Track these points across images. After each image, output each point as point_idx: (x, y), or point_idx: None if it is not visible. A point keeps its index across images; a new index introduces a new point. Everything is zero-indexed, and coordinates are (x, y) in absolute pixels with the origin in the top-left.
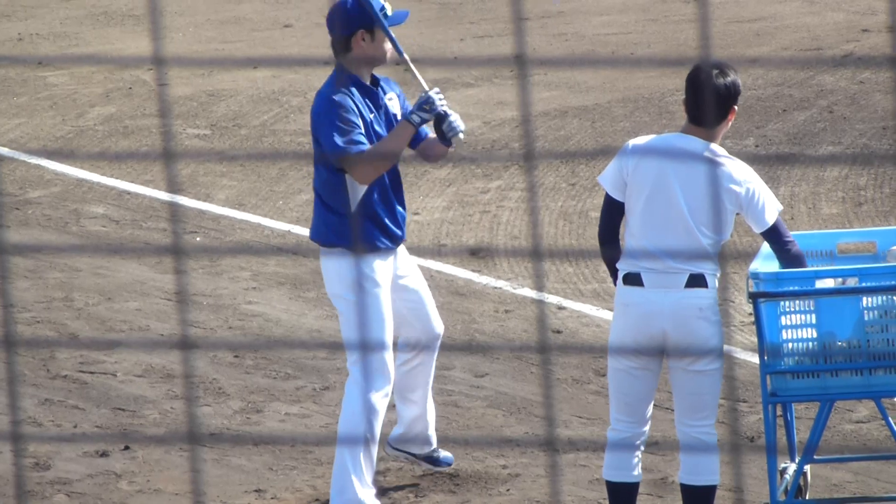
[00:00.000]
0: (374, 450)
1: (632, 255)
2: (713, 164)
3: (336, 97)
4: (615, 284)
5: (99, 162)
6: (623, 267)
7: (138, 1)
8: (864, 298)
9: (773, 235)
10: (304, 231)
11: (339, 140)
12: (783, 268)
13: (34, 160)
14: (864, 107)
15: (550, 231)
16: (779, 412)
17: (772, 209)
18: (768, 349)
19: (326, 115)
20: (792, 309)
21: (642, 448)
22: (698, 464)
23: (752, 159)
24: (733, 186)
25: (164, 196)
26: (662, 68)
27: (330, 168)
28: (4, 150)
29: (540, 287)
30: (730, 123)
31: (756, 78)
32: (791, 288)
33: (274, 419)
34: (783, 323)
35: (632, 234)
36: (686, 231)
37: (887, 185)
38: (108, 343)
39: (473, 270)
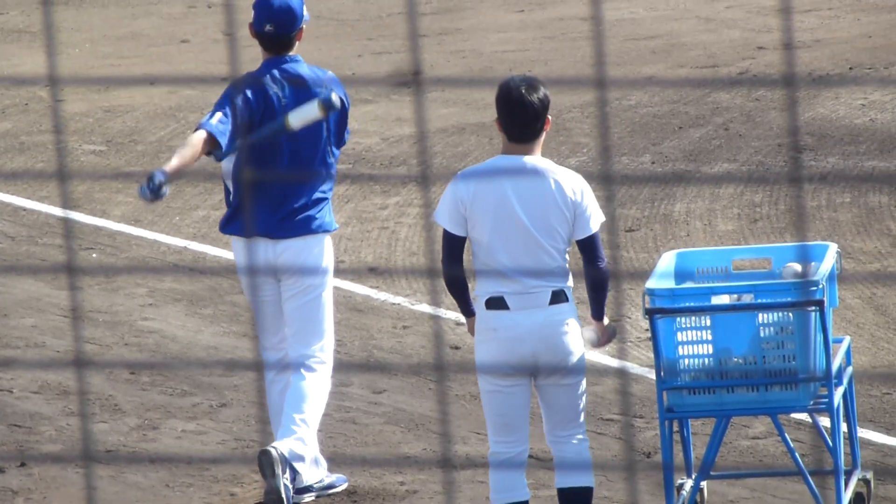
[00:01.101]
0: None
1: (490, 279)
2: (546, 176)
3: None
4: (465, 312)
5: None
6: (483, 292)
7: (34, 17)
8: (760, 315)
9: (592, 245)
10: (202, 247)
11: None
12: (588, 280)
13: None
14: (759, 124)
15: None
16: (675, 428)
17: (597, 219)
18: (664, 365)
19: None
20: (688, 325)
21: (524, 466)
22: (573, 467)
23: (649, 176)
24: (567, 193)
25: (59, 212)
26: (559, 87)
27: (332, 154)
28: None
29: (437, 303)
30: (544, 134)
31: (652, 95)
32: (687, 304)
33: (170, 436)
34: (679, 339)
35: (485, 259)
36: (538, 248)
37: (783, 202)
38: (4, 360)
39: (371, 287)
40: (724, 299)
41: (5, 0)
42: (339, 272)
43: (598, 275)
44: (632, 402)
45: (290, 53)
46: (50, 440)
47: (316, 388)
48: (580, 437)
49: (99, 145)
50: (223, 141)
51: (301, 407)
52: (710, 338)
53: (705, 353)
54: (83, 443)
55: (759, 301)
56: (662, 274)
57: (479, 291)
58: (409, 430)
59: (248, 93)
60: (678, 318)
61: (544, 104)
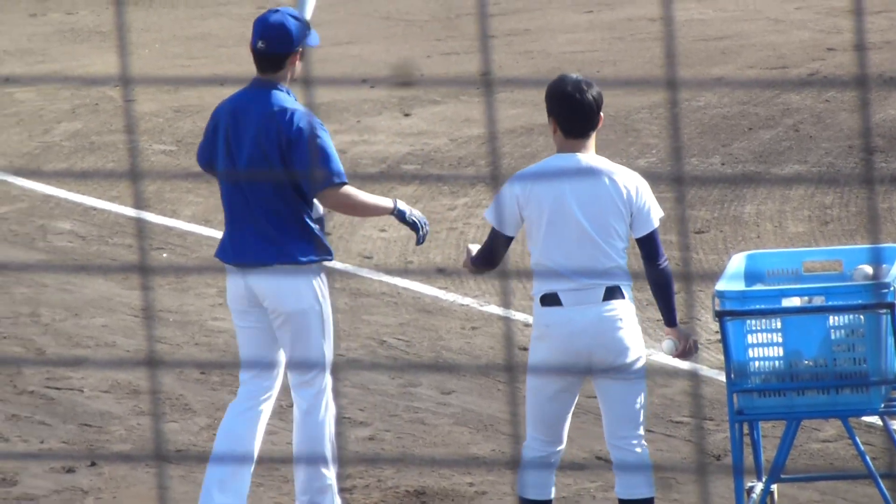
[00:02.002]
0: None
1: (544, 277)
2: (602, 173)
3: (317, 118)
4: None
5: (65, 178)
6: (538, 290)
7: (105, 17)
8: (831, 317)
9: (652, 242)
10: None
11: (337, 167)
12: (652, 281)
13: (1, 176)
14: (829, 125)
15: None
16: (745, 431)
17: (656, 215)
18: (735, 368)
19: (321, 137)
20: (758, 327)
21: (556, 466)
22: (633, 477)
23: (719, 177)
24: (623, 190)
25: (130, 212)
26: (628, 88)
27: (299, 185)
28: None
29: (507, 304)
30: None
31: (722, 96)
32: (757, 306)
33: None
34: (749, 341)
35: (539, 259)
36: (593, 247)
37: (853, 204)
38: (75, 359)
39: (440, 288)
40: (794, 301)
41: (76, 1)
42: (407, 273)
43: (659, 273)
44: (702, 404)
45: (280, 79)
46: (120, 440)
47: (316, 423)
48: (641, 443)
49: (169, 145)
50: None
51: (311, 446)
52: (780, 340)
53: (776, 355)
54: (154, 442)
55: (830, 303)
56: (732, 276)
57: (535, 290)
58: (478, 430)
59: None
60: (748, 321)
61: (598, 100)
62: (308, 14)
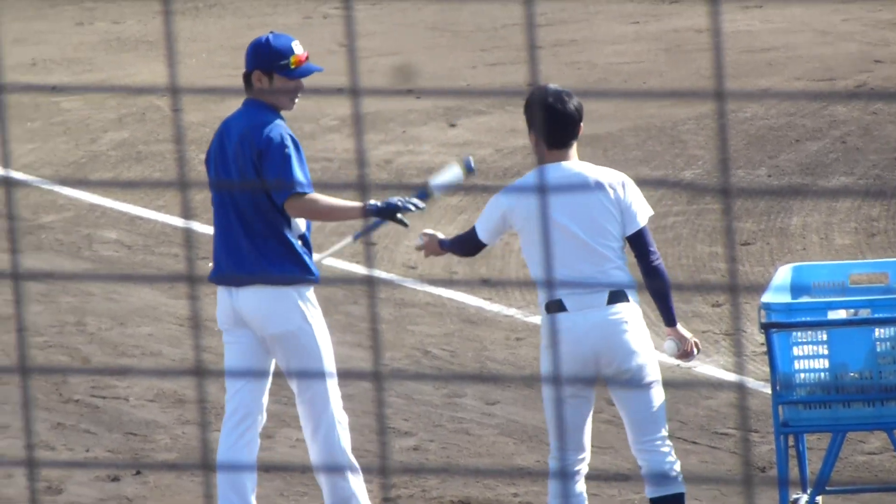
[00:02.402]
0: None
1: (547, 285)
2: (589, 177)
3: (289, 131)
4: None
5: (112, 187)
6: (543, 299)
7: (151, 27)
8: (877, 330)
9: (642, 240)
10: (318, 257)
11: (302, 176)
12: (646, 280)
13: (47, 185)
14: (876, 138)
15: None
16: (791, 443)
17: (644, 213)
18: (780, 380)
19: (288, 148)
20: (804, 339)
21: (582, 475)
22: (662, 476)
23: (765, 189)
24: (609, 191)
25: (176, 221)
26: (674, 98)
27: (272, 201)
28: (18, 175)
29: None
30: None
31: (769, 108)
32: (803, 318)
33: (285, 445)
34: (795, 353)
35: (540, 269)
36: (590, 251)
37: None
38: (120, 368)
39: (485, 298)
40: (840, 314)
41: (122, 10)
42: (452, 283)
43: (652, 271)
44: (747, 416)
45: (253, 96)
46: (165, 448)
47: (325, 438)
48: (664, 444)
49: None
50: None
51: (325, 460)
52: (826, 352)
53: (821, 367)
54: (199, 451)
55: (876, 316)
56: (778, 288)
57: (540, 300)
58: (523, 441)
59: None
60: (794, 333)
61: (579, 110)
62: (446, 181)
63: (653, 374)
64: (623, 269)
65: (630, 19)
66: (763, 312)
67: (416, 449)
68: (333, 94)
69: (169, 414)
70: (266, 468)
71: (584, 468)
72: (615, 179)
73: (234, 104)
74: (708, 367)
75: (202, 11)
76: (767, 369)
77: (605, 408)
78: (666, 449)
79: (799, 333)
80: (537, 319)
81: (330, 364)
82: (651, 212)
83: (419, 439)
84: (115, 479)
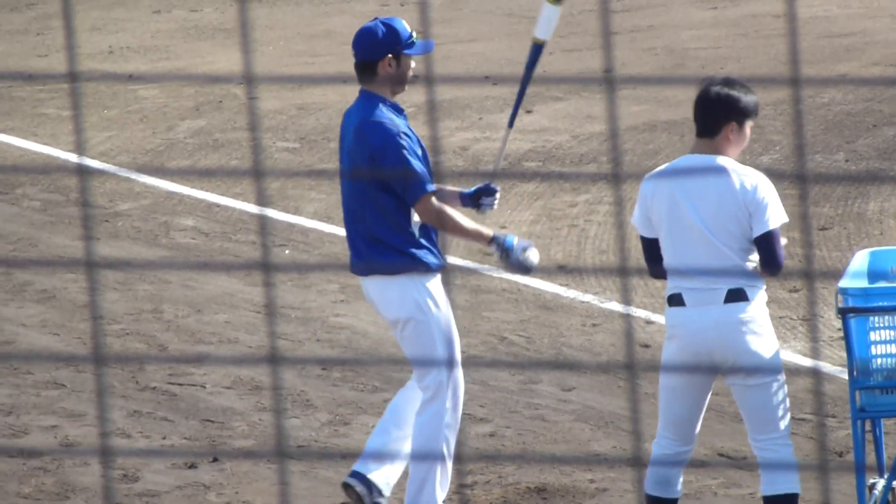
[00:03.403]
0: (451, 466)
1: (671, 277)
2: (722, 174)
3: (403, 125)
4: None
5: (189, 175)
6: (668, 290)
7: (229, 14)
8: None
9: (767, 244)
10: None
11: (423, 174)
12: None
13: (124, 173)
14: None
15: (639, 245)
16: (868, 428)
17: (775, 217)
18: (857, 365)
19: (404, 148)
20: (881, 325)
21: (684, 465)
22: (775, 474)
23: (843, 175)
24: (740, 189)
25: (253, 209)
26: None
27: (389, 190)
28: (95, 163)
29: (627, 301)
30: (736, 138)
31: (846, 93)
32: (880, 303)
33: (361, 432)
34: (872, 338)
35: (667, 258)
36: (710, 247)
37: None
38: (198, 355)
39: (561, 284)
40: None
41: None
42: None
43: (776, 272)
44: (824, 401)
45: (376, 90)
46: (242, 435)
47: (421, 422)
48: (778, 443)
49: (292, 142)
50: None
51: (415, 442)
52: None
53: None
54: (276, 438)
55: None
56: (856, 273)
57: (666, 290)
58: (599, 427)
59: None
60: (871, 318)
61: (727, 102)
62: (546, 31)
63: (770, 374)
64: (745, 268)
65: (708, 4)
66: (840, 297)
67: (492, 435)
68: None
69: (246, 401)
70: (342, 455)
71: (685, 459)
72: (750, 179)
73: (312, 92)
74: (786, 353)
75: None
76: (844, 354)
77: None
78: (782, 447)
79: (876, 318)
80: (614, 306)
81: (448, 353)
82: (785, 219)
83: (495, 425)
84: (193, 466)
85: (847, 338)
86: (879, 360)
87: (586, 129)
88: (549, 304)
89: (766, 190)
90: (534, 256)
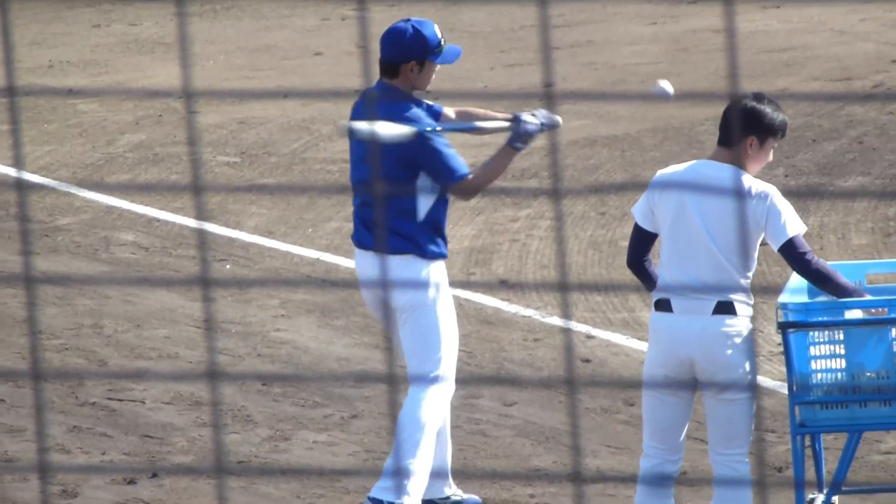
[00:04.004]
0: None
1: (663, 282)
2: (731, 185)
3: (426, 123)
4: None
5: (129, 189)
6: (655, 294)
7: (168, 29)
8: (893, 329)
9: (791, 251)
10: (334, 259)
11: (456, 165)
12: (815, 286)
13: (64, 187)
14: (893, 137)
15: (580, 260)
16: (807, 443)
17: (792, 226)
18: (797, 380)
19: (432, 139)
20: (821, 339)
21: (673, 480)
22: (731, 495)
23: (782, 189)
24: (754, 201)
25: (193, 223)
26: (693, 100)
27: (408, 176)
28: (35, 178)
29: (568, 316)
30: (756, 154)
31: (786, 108)
32: (820, 318)
33: (301, 447)
34: (812, 353)
35: (662, 262)
36: (711, 258)
37: None
38: (137, 370)
39: (502, 299)
40: (857, 314)
41: (139, 12)
42: (469, 284)
43: (811, 276)
44: (763, 416)
45: (395, 83)
46: (181, 451)
47: (420, 411)
48: (739, 459)
49: (233, 157)
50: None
51: (405, 432)
52: (843, 352)
53: (838, 367)
54: (215, 454)
55: (893, 315)
56: (795, 288)
57: (654, 293)
58: (540, 442)
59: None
60: (811, 333)
61: (752, 115)
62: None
63: (746, 390)
64: (740, 283)
65: (648, 20)
66: (780, 312)
67: None
68: (350, 95)
69: (185, 416)
70: (282, 470)
71: (674, 472)
72: (760, 191)
73: (252, 106)
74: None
75: (220, 13)
76: (784, 369)
77: (621, 408)
78: (742, 465)
79: (816, 333)
80: (555, 320)
81: (445, 345)
82: (803, 227)
83: None
84: (132, 482)
85: (787, 353)
86: (819, 376)
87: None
88: (491, 318)
89: (780, 202)
90: (548, 115)
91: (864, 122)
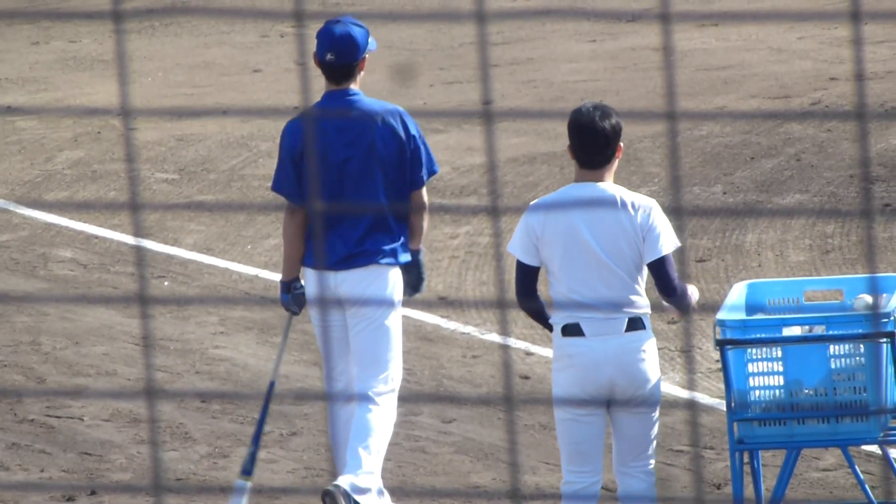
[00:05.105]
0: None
1: (564, 306)
2: (616, 201)
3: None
4: (550, 331)
5: (67, 206)
6: (559, 319)
7: (107, 46)
8: (831, 346)
9: (661, 270)
10: (273, 276)
11: (433, 157)
12: (673, 304)
13: (1, 204)
14: (831, 155)
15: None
16: (746, 460)
17: (667, 243)
18: (735, 396)
19: (422, 137)
20: (759, 356)
21: (597, 497)
22: (638, 502)
23: (720, 207)
24: (633, 216)
25: (131, 240)
26: (631, 117)
27: (402, 178)
28: None
29: (507, 333)
30: (617, 161)
31: (724, 125)
32: (758, 335)
33: (240, 464)
34: (750, 370)
35: (558, 287)
36: (610, 275)
37: (854, 234)
38: (75, 388)
39: (442, 316)
40: (795, 331)
41: (78, 29)
42: (409, 301)
43: (673, 292)
44: (702, 433)
45: (352, 86)
46: (120, 468)
47: (380, 419)
48: (649, 470)
49: (171, 174)
50: (291, 198)
51: (366, 440)
52: (781, 369)
53: (776, 384)
54: (153, 471)
55: (831, 333)
56: (733, 305)
57: (555, 319)
58: (479, 459)
59: (289, 131)
60: (749, 350)
61: (615, 130)
62: None
63: (657, 403)
64: (642, 296)
65: (587, 38)
66: (718, 329)
67: None
68: (289, 112)
69: (124, 434)
70: (221, 488)
71: (596, 492)
72: (644, 207)
73: (191, 123)
74: (664, 385)
75: (158, 30)
76: (722, 386)
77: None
78: (649, 476)
79: (754, 350)
80: (494, 337)
81: (398, 351)
82: (677, 243)
83: None
84: (71, 499)
85: (725, 370)
86: (757, 392)
87: (466, 161)
88: (430, 335)
89: (658, 217)
90: None
91: (802, 140)
